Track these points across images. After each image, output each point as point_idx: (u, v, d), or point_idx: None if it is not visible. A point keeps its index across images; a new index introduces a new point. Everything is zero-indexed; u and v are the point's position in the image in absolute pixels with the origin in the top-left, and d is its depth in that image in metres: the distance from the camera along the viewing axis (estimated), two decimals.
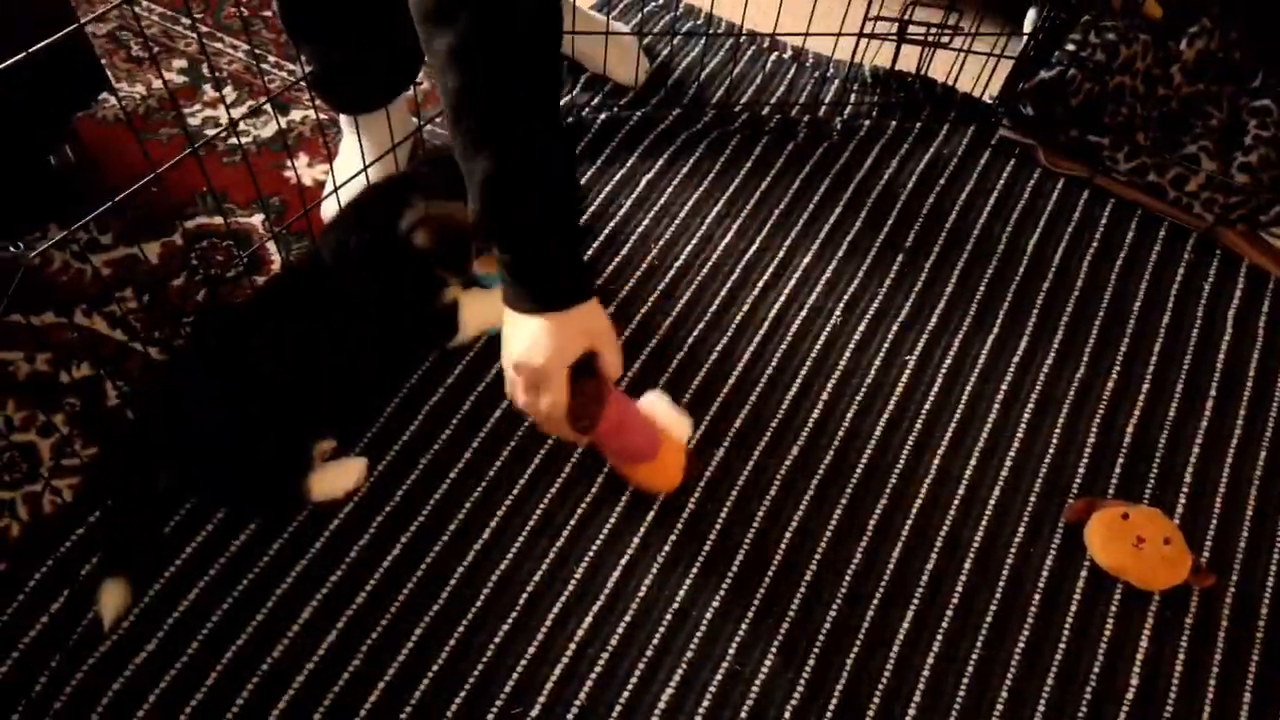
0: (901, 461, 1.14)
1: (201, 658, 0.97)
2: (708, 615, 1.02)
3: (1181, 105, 1.38)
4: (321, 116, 1.40)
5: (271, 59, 1.47)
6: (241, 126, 1.38)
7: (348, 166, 1.27)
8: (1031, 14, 1.43)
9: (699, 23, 1.59)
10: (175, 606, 0.99)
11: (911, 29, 1.29)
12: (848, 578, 1.05)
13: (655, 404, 1.05)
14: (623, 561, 1.05)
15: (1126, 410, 1.20)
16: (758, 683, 0.98)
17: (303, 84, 1.31)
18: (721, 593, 1.03)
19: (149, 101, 1.39)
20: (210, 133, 1.37)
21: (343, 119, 1.30)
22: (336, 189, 1.20)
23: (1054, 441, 1.17)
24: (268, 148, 1.36)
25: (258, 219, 1.28)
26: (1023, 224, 1.37)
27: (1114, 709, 0.99)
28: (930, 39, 1.29)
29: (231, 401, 1.01)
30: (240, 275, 1.24)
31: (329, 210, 1.24)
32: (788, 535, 1.08)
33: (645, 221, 1.32)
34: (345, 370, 1.09)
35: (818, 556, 1.06)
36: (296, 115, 1.41)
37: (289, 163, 1.34)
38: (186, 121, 1.38)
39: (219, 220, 1.28)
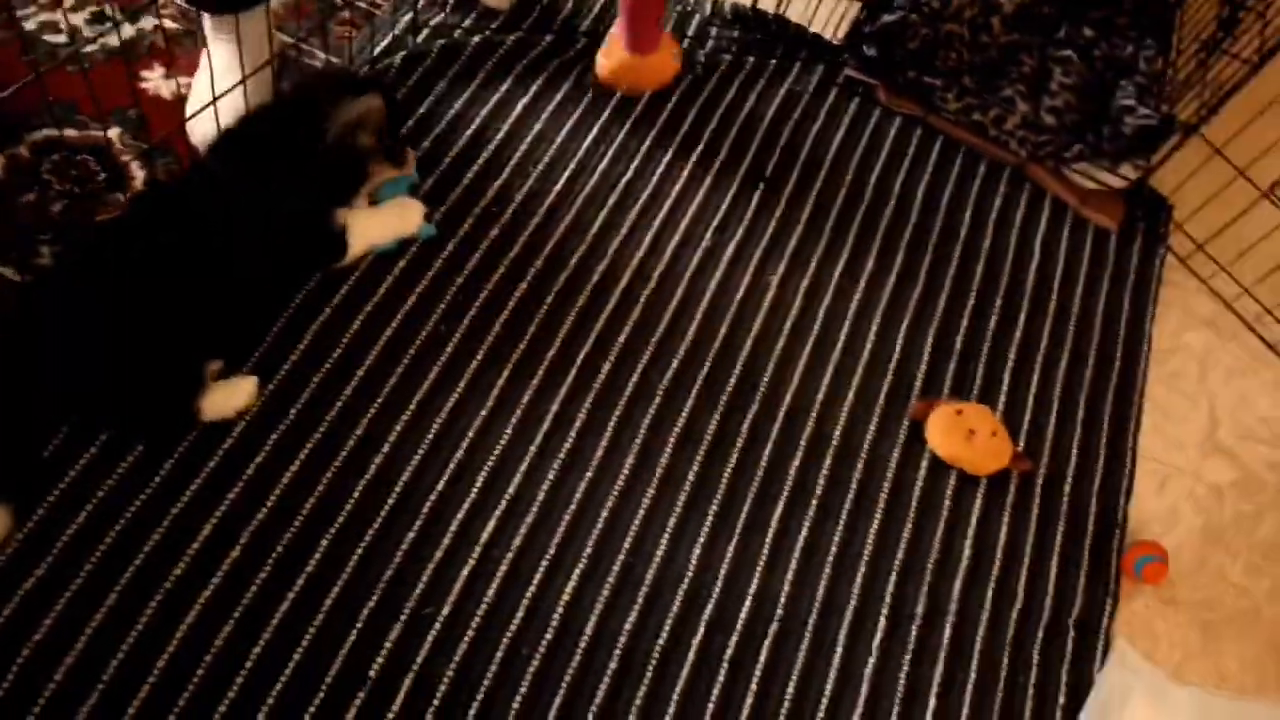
0: (769, 371, 1.25)
1: (97, 581, 0.95)
2: (603, 514, 1.10)
3: (1000, 53, 1.54)
4: (173, 25, 1.33)
5: None
6: (86, 33, 1.29)
7: (220, 76, 1.22)
8: None
9: None
10: (64, 531, 0.97)
11: None
12: (725, 476, 1.16)
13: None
14: (521, 468, 1.10)
15: (956, 322, 1.37)
16: (651, 570, 1.07)
17: None
18: (613, 494, 1.11)
19: None
20: (51, 39, 1.28)
21: (209, 25, 1.24)
22: (215, 99, 1.15)
23: (897, 350, 1.32)
24: (117, 57, 1.29)
25: (114, 132, 1.22)
26: (867, 158, 1.50)
27: (951, 576, 1.16)
28: None
29: (117, 321, 0.98)
30: (101, 191, 1.18)
31: (201, 125, 1.20)
32: (672, 439, 1.17)
33: (522, 147, 1.36)
34: (232, 290, 1.07)
35: (699, 459, 1.16)
36: (147, 24, 1.33)
37: (143, 73, 1.27)
38: (23, 27, 1.28)
39: (71, 133, 1.20)
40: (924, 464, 1.23)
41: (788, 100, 1.53)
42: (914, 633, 1.11)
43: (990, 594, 1.16)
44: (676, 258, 1.31)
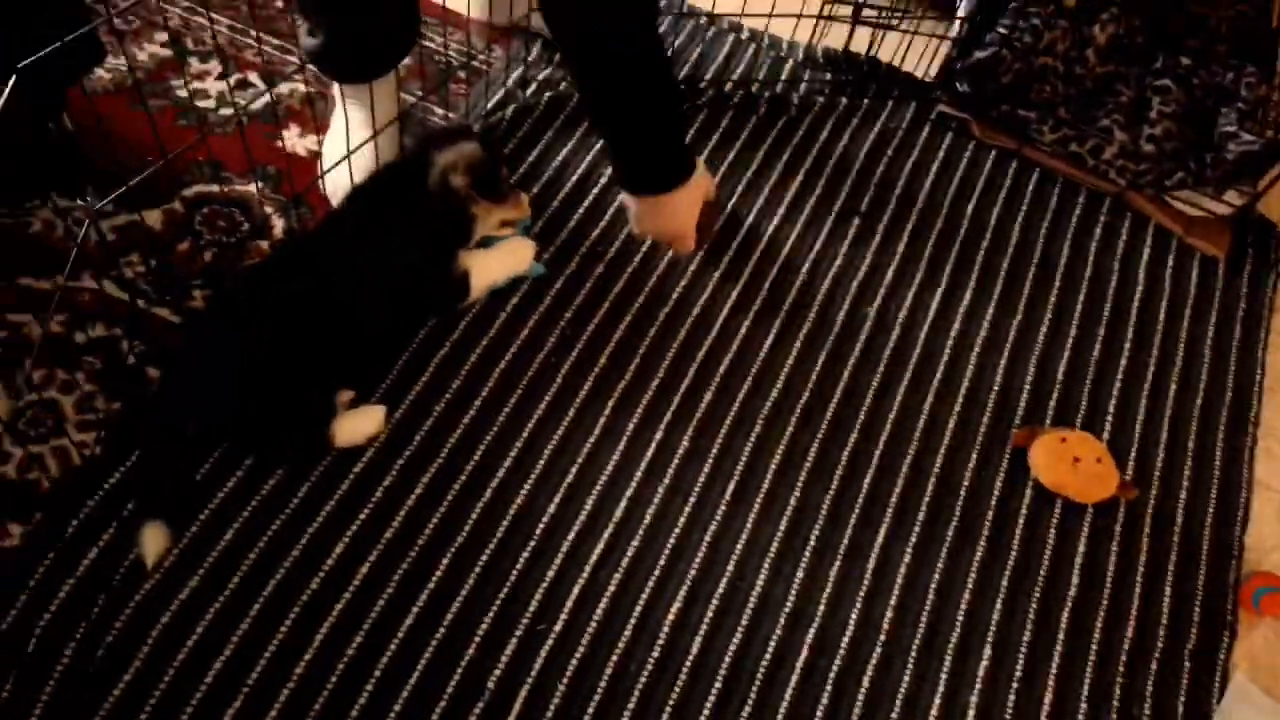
0: (868, 400, 1.27)
1: (242, 593, 1.03)
2: (706, 538, 1.13)
3: (1095, 83, 1.55)
4: (310, 90, 1.45)
5: (252, 33, 1.51)
6: (229, 97, 1.42)
7: (349, 137, 1.32)
8: (965, 1, 1.58)
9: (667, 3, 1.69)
10: (213, 547, 1.06)
11: (865, 12, 1.42)
12: (826, 504, 1.18)
13: None
14: (627, 493, 1.15)
15: (1058, 352, 1.36)
16: (755, 593, 1.10)
17: (298, 57, 1.36)
18: (717, 518, 1.15)
19: (136, 74, 1.43)
20: (201, 105, 1.41)
21: (339, 91, 1.36)
22: (349, 154, 1.25)
23: (998, 380, 1.32)
24: (257, 119, 1.41)
25: (253, 186, 1.34)
26: (962, 190, 1.52)
27: (1059, 606, 1.15)
28: (881, 21, 1.42)
29: (259, 357, 1.08)
30: (245, 240, 1.29)
31: (334, 179, 1.30)
32: (773, 466, 1.20)
33: None
34: (361, 330, 1.16)
35: (799, 486, 1.19)
36: (284, 88, 1.46)
37: (282, 133, 1.39)
38: (177, 94, 1.42)
39: (219, 188, 1.33)
40: (1028, 492, 1.23)
41: (882, 137, 1.56)
42: (1020, 662, 1.11)
43: (1100, 624, 1.15)
44: (776, 289, 1.36)
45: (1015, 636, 1.12)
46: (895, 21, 1.43)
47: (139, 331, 1.19)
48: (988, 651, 1.11)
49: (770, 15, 1.41)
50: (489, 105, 1.48)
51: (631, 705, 1.02)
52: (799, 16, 1.45)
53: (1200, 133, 1.51)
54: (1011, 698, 1.08)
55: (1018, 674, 1.10)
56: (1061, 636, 1.13)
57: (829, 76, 1.60)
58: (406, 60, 1.37)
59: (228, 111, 1.41)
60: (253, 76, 1.47)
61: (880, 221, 1.46)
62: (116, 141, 1.33)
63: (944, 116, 1.58)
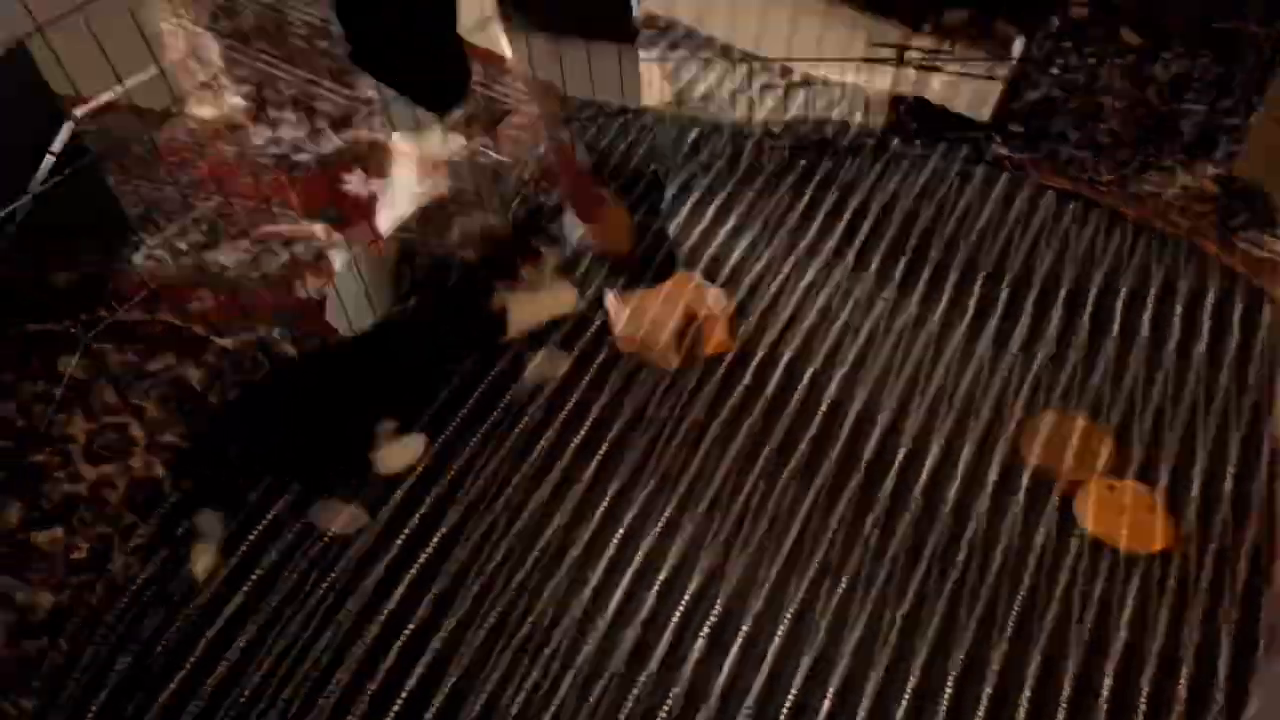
0: (907, 438, 1.26)
1: (284, 609, 1.08)
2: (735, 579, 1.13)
3: (1157, 122, 1.51)
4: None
5: (327, 83, 1.60)
6: (307, 146, 1.51)
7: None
8: (1019, 42, 1.57)
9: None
10: (257, 564, 1.11)
11: (909, 54, 1.42)
12: (858, 550, 1.17)
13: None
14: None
15: (1113, 396, 1.32)
16: (784, 623, 1.10)
17: (368, 107, 1.44)
18: (745, 554, 1.15)
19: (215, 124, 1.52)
20: (273, 151, 1.50)
21: (396, 136, 1.43)
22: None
23: (1075, 434, 1.29)
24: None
25: (318, 226, 1.41)
26: (1014, 232, 1.50)
27: (1104, 656, 1.10)
28: (925, 63, 1.42)
29: (302, 387, 1.15)
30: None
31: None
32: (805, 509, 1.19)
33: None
34: (401, 363, 1.21)
35: (835, 528, 1.18)
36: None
37: (345, 177, 1.47)
38: (251, 141, 1.51)
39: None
40: (1074, 542, 1.19)
41: (932, 179, 1.55)
42: (1061, 712, 1.06)
43: (1146, 687, 1.09)
44: (813, 331, 1.36)
45: (1054, 688, 1.08)
46: (940, 63, 1.43)
47: (202, 360, 1.27)
48: (1024, 704, 1.07)
49: (817, 59, 1.43)
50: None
51: None
52: (843, 60, 1.46)
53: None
54: None
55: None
56: (1108, 684, 1.08)
57: (878, 119, 1.60)
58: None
59: (304, 158, 1.50)
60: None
61: (924, 265, 1.45)
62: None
63: (999, 159, 1.57)
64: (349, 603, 1.09)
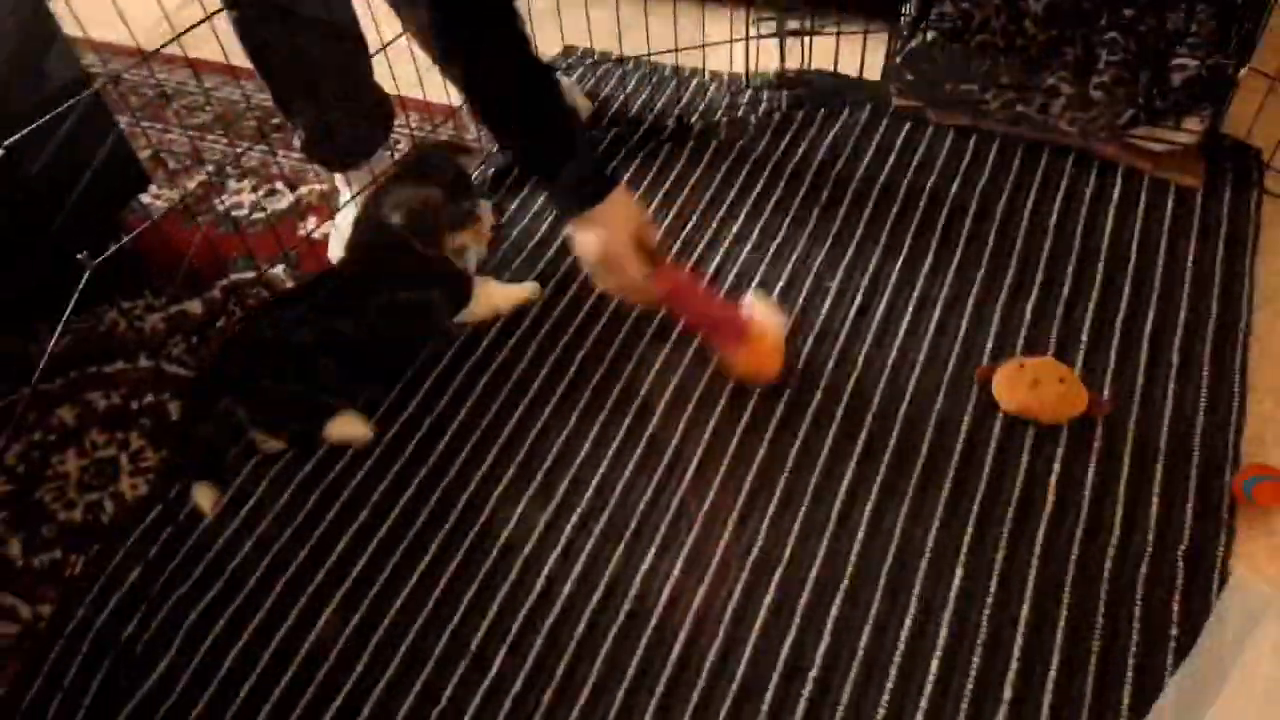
0: (832, 360, 1.32)
1: (259, 588, 1.17)
2: (647, 493, 1.20)
3: (1039, 50, 1.60)
4: (323, 187, 1.68)
5: (281, 153, 1.77)
6: (262, 203, 1.67)
7: (349, 215, 1.54)
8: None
9: (617, 63, 1.87)
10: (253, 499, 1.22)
11: (789, 24, 1.54)
12: (792, 454, 1.23)
13: (750, 302, 1.31)
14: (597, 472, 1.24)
15: (1022, 296, 1.38)
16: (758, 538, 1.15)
17: (302, 158, 1.60)
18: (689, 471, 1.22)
19: (186, 200, 1.70)
20: (237, 214, 1.66)
21: (338, 180, 1.58)
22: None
23: (963, 327, 1.35)
24: (285, 216, 1.65)
25: (279, 268, 1.55)
26: (921, 170, 1.58)
27: (1034, 522, 1.14)
28: (807, 30, 1.54)
29: (284, 358, 1.27)
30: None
31: (334, 252, 1.52)
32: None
33: None
34: (369, 346, 1.32)
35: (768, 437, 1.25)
36: (304, 189, 1.70)
37: (300, 224, 1.62)
38: (217, 209, 1.68)
39: (250, 274, 1.55)
40: (996, 424, 1.24)
41: (839, 136, 1.65)
42: (995, 577, 1.09)
43: (1079, 535, 1.12)
44: (763, 283, 1.45)
45: (987, 556, 1.11)
46: (820, 26, 1.54)
47: (183, 395, 1.40)
48: (959, 572, 1.10)
49: (703, 46, 1.56)
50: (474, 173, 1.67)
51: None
52: (730, 41, 1.59)
53: (1154, 75, 1.53)
54: (988, 612, 1.07)
55: (991, 589, 1.09)
56: (1038, 550, 1.11)
57: (782, 94, 1.72)
58: (398, 146, 1.59)
59: (259, 215, 1.66)
60: (279, 185, 1.72)
61: (836, 205, 1.54)
62: (167, 253, 1.59)
63: (901, 109, 1.66)
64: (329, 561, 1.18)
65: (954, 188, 1.55)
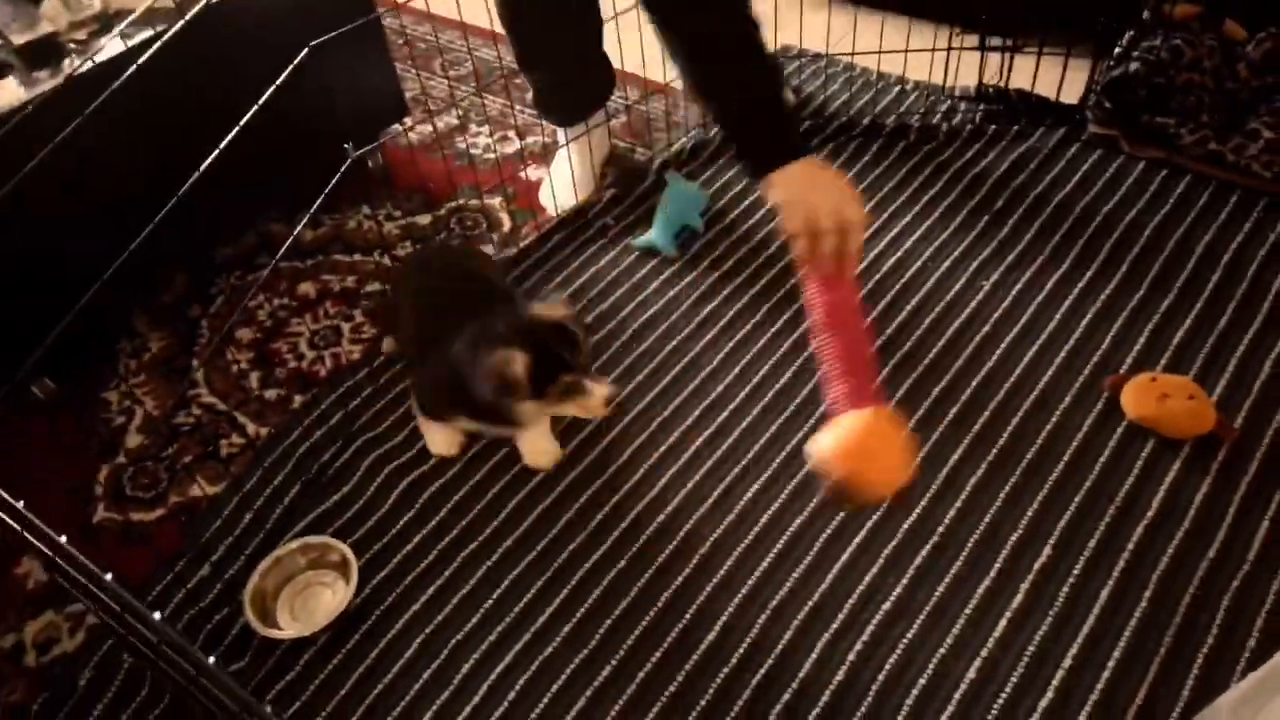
0: (993, 358, 1.40)
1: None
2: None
3: (1250, 95, 1.59)
4: (546, 139, 1.92)
5: (518, 108, 2.03)
6: (494, 147, 1.93)
7: (561, 165, 1.77)
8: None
9: (821, 63, 1.99)
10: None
11: (990, 39, 1.62)
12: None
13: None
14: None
15: (1178, 321, 1.40)
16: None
17: (531, 110, 1.84)
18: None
19: (435, 136, 1.98)
20: (474, 152, 1.93)
21: (558, 133, 1.81)
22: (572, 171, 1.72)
23: (1106, 342, 1.39)
24: (510, 159, 1.90)
25: (497, 200, 1.80)
26: (1103, 194, 1.62)
27: (1134, 522, 1.17)
28: (1008, 46, 1.61)
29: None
30: (482, 233, 1.74)
31: (544, 195, 1.76)
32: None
33: None
34: None
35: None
36: (530, 139, 1.95)
37: (521, 167, 1.86)
38: (459, 147, 1.95)
39: (475, 201, 1.80)
40: (1118, 431, 1.27)
41: (1026, 157, 1.71)
42: (1081, 562, 1.14)
43: (1177, 540, 1.15)
44: (926, 290, 1.54)
45: (1078, 543, 1.16)
46: (1023, 45, 1.61)
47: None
48: (1047, 551, 1.16)
49: (905, 51, 1.66)
50: (674, 145, 1.85)
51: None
52: (932, 50, 1.68)
53: None
54: (1065, 589, 1.12)
55: (1075, 571, 1.14)
56: (1130, 547, 1.15)
57: (981, 108, 1.79)
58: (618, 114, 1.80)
59: (490, 155, 1.91)
60: (511, 134, 1.97)
61: (1007, 215, 1.60)
62: (410, 176, 1.87)
63: (1094, 137, 1.70)
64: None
65: (1131, 214, 1.57)
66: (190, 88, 1.43)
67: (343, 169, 1.32)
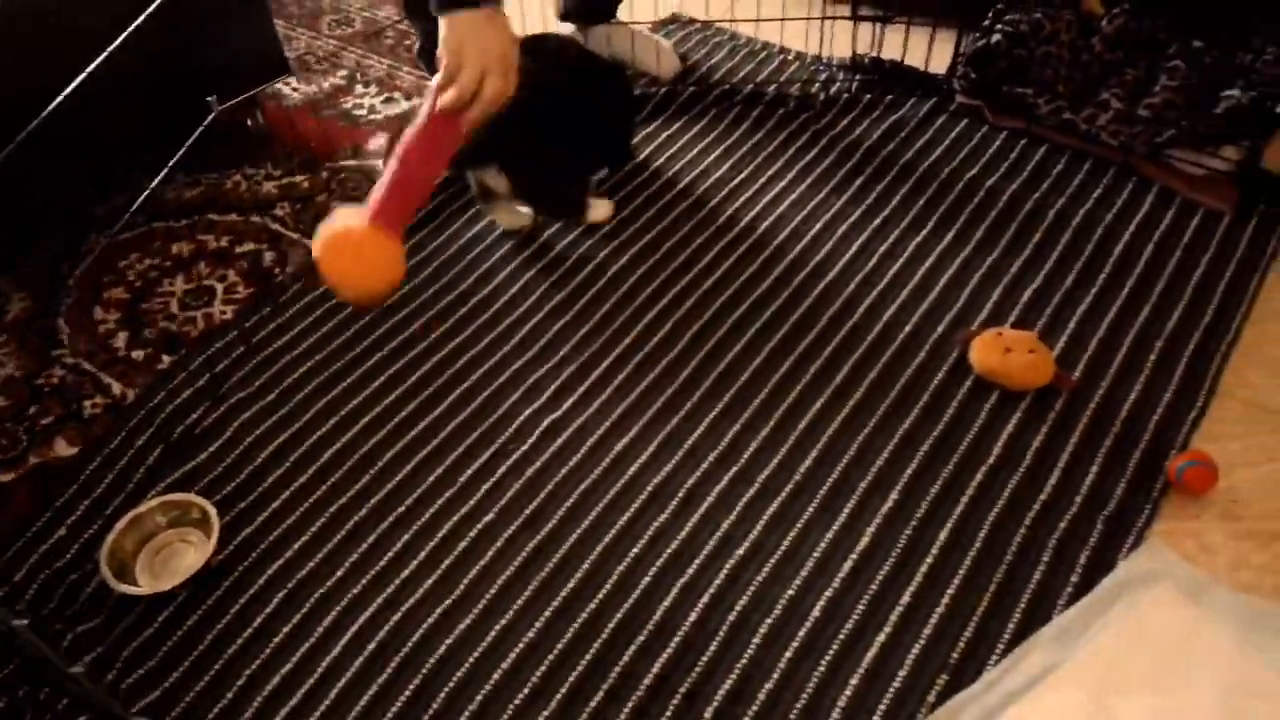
0: (857, 313, 1.45)
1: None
2: (621, 443, 1.35)
3: (1102, 68, 1.67)
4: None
5: (405, 69, 2.01)
6: (379, 108, 1.91)
7: None
8: None
9: (706, 32, 2.03)
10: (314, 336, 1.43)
11: (863, 9, 1.67)
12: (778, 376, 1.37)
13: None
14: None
15: (1028, 279, 1.47)
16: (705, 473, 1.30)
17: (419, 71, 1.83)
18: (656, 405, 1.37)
19: (319, 96, 1.96)
20: (357, 113, 1.91)
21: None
22: None
23: (963, 298, 1.45)
24: (395, 120, 1.88)
25: (379, 162, 1.78)
26: (965, 164, 1.68)
27: (973, 470, 1.24)
28: (879, 16, 1.66)
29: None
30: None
31: None
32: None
33: (678, 167, 1.74)
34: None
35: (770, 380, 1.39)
36: (419, 100, 1.93)
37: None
38: (343, 108, 1.93)
39: (353, 161, 1.79)
40: (967, 383, 1.34)
41: (897, 126, 1.77)
42: (924, 506, 1.21)
43: (1012, 485, 1.22)
44: (792, 240, 1.59)
45: (923, 489, 1.22)
46: (891, 15, 1.66)
47: (279, 250, 1.64)
48: (893, 497, 1.22)
49: (782, 19, 1.70)
50: None
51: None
52: (807, 18, 1.73)
53: (1203, 103, 1.59)
54: (908, 533, 1.18)
55: (917, 516, 1.20)
56: (970, 492, 1.22)
57: (854, 77, 1.84)
58: None
59: (375, 117, 1.89)
60: (398, 94, 1.95)
61: (878, 179, 1.66)
62: (290, 137, 1.84)
63: (962, 107, 1.77)
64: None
65: (991, 180, 1.65)
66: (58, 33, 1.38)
67: (204, 124, 1.31)
